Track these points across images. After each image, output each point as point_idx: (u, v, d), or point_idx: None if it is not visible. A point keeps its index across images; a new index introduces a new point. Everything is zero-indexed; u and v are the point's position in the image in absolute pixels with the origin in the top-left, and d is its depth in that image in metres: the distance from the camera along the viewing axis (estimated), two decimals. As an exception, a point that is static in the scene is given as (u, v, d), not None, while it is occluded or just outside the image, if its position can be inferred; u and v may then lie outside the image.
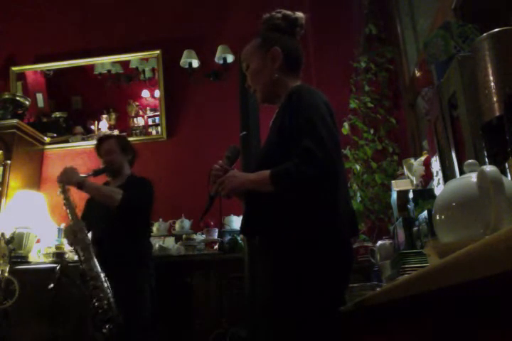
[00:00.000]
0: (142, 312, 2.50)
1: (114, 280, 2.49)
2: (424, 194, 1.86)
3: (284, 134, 1.42)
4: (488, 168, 0.76)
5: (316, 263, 1.34)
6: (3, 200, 3.57)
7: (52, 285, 2.59)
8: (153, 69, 4.30)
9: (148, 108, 4.37)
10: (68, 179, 2.62)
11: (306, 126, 1.35)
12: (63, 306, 2.91)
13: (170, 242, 3.35)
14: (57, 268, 2.65)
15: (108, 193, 2.63)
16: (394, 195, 2.20)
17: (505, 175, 1.02)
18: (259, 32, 1.67)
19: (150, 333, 2.53)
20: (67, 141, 4.23)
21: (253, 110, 2.85)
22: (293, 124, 1.39)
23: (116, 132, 4.24)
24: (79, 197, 2.88)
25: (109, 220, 2.62)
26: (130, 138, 4.14)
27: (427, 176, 2.04)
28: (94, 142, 3.04)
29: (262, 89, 1.61)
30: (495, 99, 1.10)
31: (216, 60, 3.99)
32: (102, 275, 2.46)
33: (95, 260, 2.49)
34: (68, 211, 2.64)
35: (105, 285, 2.43)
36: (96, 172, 2.81)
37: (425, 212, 1.62)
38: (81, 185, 2.59)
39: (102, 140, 2.91)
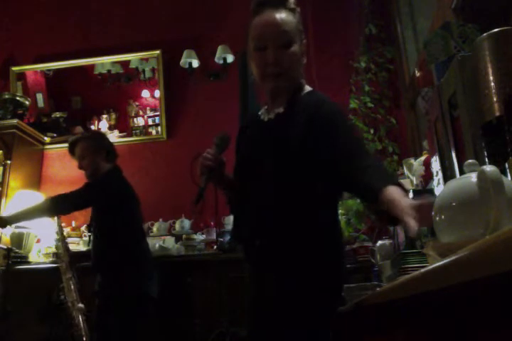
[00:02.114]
0: (119, 315, 2.51)
1: (100, 281, 2.60)
2: (424, 194, 1.86)
3: (309, 144, 1.32)
4: (488, 168, 0.76)
5: (319, 264, 1.34)
6: (3, 200, 3.58)
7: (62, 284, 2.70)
8: (153, 69, 4.30)
9: (148, 108, 4.38)
10: None
11: (356, 145, 1.30)
12: (63, 306, 2.91)
13: (170, 242, 3.35)
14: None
15: (36, 211, 2.76)
16: (394, 195, 2.19)
17: (505, 175, 1.01)
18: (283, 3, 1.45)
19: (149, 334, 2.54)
20: (67, 141, 4.21)
21: (253, 110, 2.85)
22: (336, 141, 1.29)
23: (115, 132, 4.24)
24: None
25: (92, 223, 2.74)
26: (130, 138, 4.16)
27: (427, 176, 2.04)
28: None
29: (292, 76, 1.43)
30: (495, 99, 1.10)
31: (216, 60, 3.99)
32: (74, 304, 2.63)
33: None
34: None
35: (79, 313, 2.59)
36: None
37: (425, 212, 1.62)
38: (5, 223, 2.73)
39: (71, 146, 2.86)
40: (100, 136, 3.00)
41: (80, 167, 2.80)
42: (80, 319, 2.58)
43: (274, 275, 1.38)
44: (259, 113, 1.54)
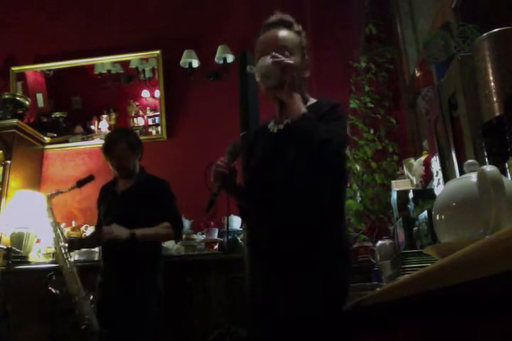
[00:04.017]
0: (146, 312, 2.50)
1: (125, 280, 2.52)
2: (424, 194, 1.86)
3: None
4: (488, 168, 0.76)
5: (328, 266, 1.36)
6: (3, 200, 3.57)
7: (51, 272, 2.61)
8: (153, 69, 4.30)
9: (148, 108, 4.38)
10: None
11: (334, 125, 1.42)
12: (63, 306, 2.91)
13: (170, 242, 3.34)
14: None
15: (160, 235, 2.61)
16: (394, 195, 2.20)
17: (505, 175, 1.01)
18: (286, 22, 1.58)
19: (152, 334, 2.53)
20: (67, 141, 4.22)
21: (253, 110, 2.85)
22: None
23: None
24: (79, 198, 2.89)
25: (127, 223, 2.53)
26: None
27: (427, 176, 2.04)
28: (95, 142, 2.97)
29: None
30: (495, 99, 1.10)
31: (216, 60, 3.99)
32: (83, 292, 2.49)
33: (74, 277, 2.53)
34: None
35: (85, 301, 2.45)
36: (79, 183, 2.71)
37: (425, 212, 1.62)
38: (133, 238, 2.45)
39: (112, 142, 2.67)
40: (136, 133, 2.88)
41: (117, 167, 2.67)
42: (86, 307, 2.44)
43: (284, 276, 1.39)
44: (268, 126, 1.62)
